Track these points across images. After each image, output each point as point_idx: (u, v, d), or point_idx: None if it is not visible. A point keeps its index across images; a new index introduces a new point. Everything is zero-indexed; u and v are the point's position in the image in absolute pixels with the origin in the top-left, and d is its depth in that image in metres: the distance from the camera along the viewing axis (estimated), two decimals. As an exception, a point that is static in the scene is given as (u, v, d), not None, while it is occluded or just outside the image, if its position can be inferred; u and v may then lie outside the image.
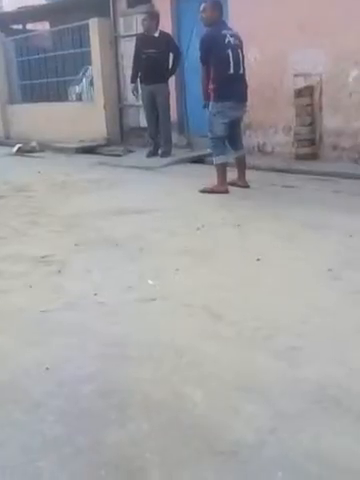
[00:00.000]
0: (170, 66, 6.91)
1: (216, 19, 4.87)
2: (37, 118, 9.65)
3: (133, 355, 2.14)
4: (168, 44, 6.78)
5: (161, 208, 4.51)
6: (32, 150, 8.77)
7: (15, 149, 8.79)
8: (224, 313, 2.46)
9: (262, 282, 2.82)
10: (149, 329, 2.36)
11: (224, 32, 4.81)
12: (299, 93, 6.19)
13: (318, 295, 2.62)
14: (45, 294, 2.79)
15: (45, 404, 1.85)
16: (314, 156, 6.21)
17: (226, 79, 4.80)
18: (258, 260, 3.12)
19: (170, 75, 6.97)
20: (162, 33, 6.82)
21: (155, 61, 6.72)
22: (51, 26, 11.22)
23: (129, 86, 8.09)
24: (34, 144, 8.91)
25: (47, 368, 2.06)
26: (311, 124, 6.20)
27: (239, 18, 5.42)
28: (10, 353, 2.21)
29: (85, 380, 1.98)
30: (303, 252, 3.25)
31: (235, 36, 4.86)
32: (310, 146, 6.23)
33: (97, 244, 3.61)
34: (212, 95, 4.87)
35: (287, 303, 2.55)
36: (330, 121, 6.09)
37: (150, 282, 2.90)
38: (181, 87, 7.72)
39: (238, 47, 4.86)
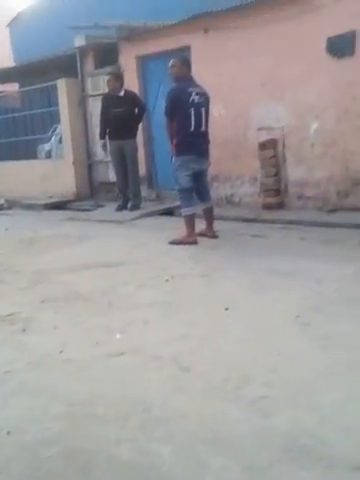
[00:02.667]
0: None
1: (184, 75, 5.05)
2: (6, 176, 9.69)
3: (99, 413, 2.06)
4: (133, 101, 6.98)
5: (130, 261, 4.50)
6: (0, 207, 8.74)
7: (-17, 207, 8.75)
8: (193, 364, 2.42)
9: (231, 332, 2.80)
10: (116, 385, 2.29)
11: (190, 90, 4.97)
12: (263, 146, 6.40)
13: (286, 342, 2.61)
14: (9, 354, 2.70)
15: (6, 470, 1.76)
16: (280, 205, 6.35)
17: (187, 136, 4.94)
18: (227, 309, 3.10)
19: (135, 127, 7.14)
20: (127, 92, 7.04)
21: (122, 119, 6.89)
22: (20, 87, 11.47)
23: (98, 143, 8.25)
24: (2, 201, 8.90)
25: (8, 432, 1.97)
26: (276, 175, 6.38)
27: (203, 75, 5.64)
28: (-31, 417, 2.11)
29: (48, 442, 1.89)
30: (271, 300, 3.25)
31: (201, 94, 5.02)
32: (276, 196, 6.38)
33: (64, 300, 3.54)
34: (174, 150, 4.99)
35: (256, 352, 2.52)
36: (294, 172, 6.28)
37: (118, 336, 2.84)
38: (149, 142, 7.90)
39: (202, 105, 5.01)
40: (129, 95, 6.98)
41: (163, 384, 2.27)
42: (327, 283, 3.47)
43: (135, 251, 4.91)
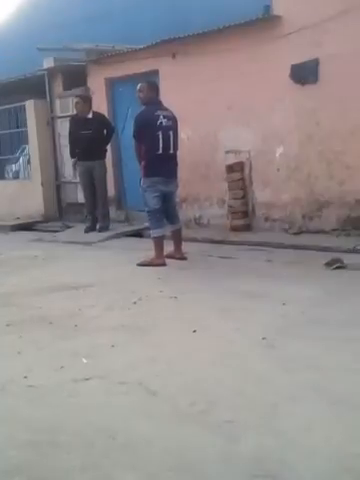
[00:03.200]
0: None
1: (152, 99, 5.12)
2: (-28, 196, 9.52)
3: (63, 441, 2.02)
4: (102, 123, 7.02)
5: (98, 283, 4.47)
6: (-34, 228, 8.56)
7: None
8: (160, 389, 2.41)
9: (198, 354, 2.80)
10: (82, 411, 2.26)
11: (158, 113, 5.04)
12: (230, 168, 6.50)
13: (253, 365, 2.62)
14: (-29, 379, 2.63)
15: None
16: (248, 227, 6.44)
17: (155, 158, 4.99)
18: (194, 332, 3.11)
19: (104, 148, 7.15)
20: (95, 114, 7.07)
21: (90, 140, 6.92)
22: (-12, 107, 11.38)
23: (66, 163, 8.27)
24: (-32, 222, 8.72)
25: (-31, 462, 1.91)
26: (243, 197, 6.48)
27: (171, 99, 5.73)
28: None
29: (10, 473, 1.84)
30: (238, 322, 3.27)
31: (169, 117, 5.09)
32: (243, 218, 6.47)
33: (30, 323, 3.49)
34: (143, 171, 5.04)
35: (222, 374, 2.53)
36: (261, 194, 6.40)
37: (84, 360, 2.81)
38: (118, 164, 7.92)
39: (170, 128, 5.08)
40: (97, 117, 7.02)
41: (129, 409, 2.24)
42: (293, 305, 3.52)
43: (103, 273, 4.88)
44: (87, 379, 2.57)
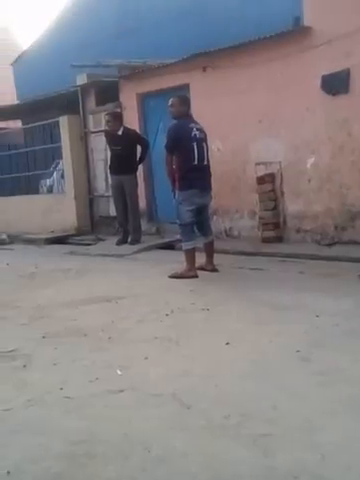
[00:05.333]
0: (138, 158, 7.21)
1: (184, 112, 5.19)
2: (8, 211, 9.79)
3: (100, 452, 2.05)
4: (132, 139, 7.11)
5: (130, 295, 4.51)
6: (2, 242, 8.79)
7: (-15, 242, 8.80)
8: (194, 401, 2.41)
9: (231, 367, 2.80)
10: (117, 423, 2.28)
11: (191, 125, 5.11)
12: (261, 180, 6.49)
13: (287, 378, 2.61)
14: (9, 391, 2.70)
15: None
16: (279, 239, 6.40)
17: (191, 169, 5.03)
18: (227, 344, 3.11)
19: (139, 164, 7.27)
20: (126, 130, 7.18)
21: (120, 156, 7.07)
22: (23, 123, 11.70)
23: (98, 177, 8.44)
24: (4, 236, 8.96)
25: (8, 472, 1.96)
26: (274, 208, 6.45)
27: (201, 112, 5.79)
28: (-32, 457, 2.09)
29: (49, 483, 1.88)
30: (272, 334, 3.25)
31: (200, 130, 5.16)
32: (275, 229, 6.44)
33: (65, 335, 3.55)
34: (178, 184, 5.07)
35: (257, 388, 2.52)
36: (292, 205, 6.36)
37: (119, 372, 2.84)
38: (149, 177, 8.01)
39: (203, 140, 5.14)
40: (128, 133, 7.12)
41: (163, 422, 2.26)
42: (327, 317, 3.48)
43: (135, 285, 4.93)
44: (121, 391, 2.60)
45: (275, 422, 2.17)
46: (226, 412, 2.27)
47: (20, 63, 14.74)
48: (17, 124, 12.64)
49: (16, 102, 12.63)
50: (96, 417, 2.35)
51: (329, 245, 5.87)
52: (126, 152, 7.04)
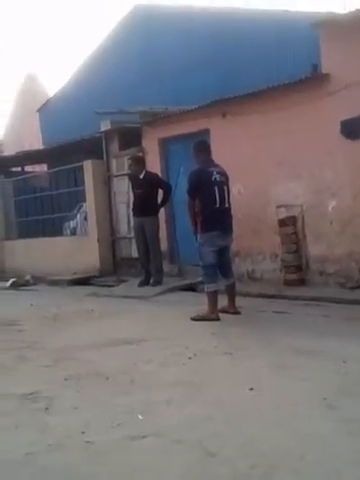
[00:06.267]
0: (159, 201, 7.32)
1: (205, 157, 5.30)
2: (32, 253, 9.94)
3: (122, 501, 2.01)
4: (154, 183, 7.25)
5: (152, 338, 4.49)
6: (26, 284, 8.90)
7: (9, 283, 8.90)
8: (218, 449, 2.35)
9: (256, 414, 2.74)
10: (139, 470, 2.24)
11: (211, 169, 5.20)
12: (283, 222, 6.51)
13: (314, 426, 2.53)
14: (30, 434, 2.67)
15: None
16: (302, 282, 6.34)
17: (212, 212, 5.10)
18: (251, 389, 3.05)
19: (161, 206, 7.39)
20: (147, 174, 7.33)
21: (142, 199, 7.24)
22: (48, 167, 12.04)
23: (121, 220, 8.56)
24: (28, 278, 9.06)
25: None
26: (296, 251, 6.43)
27: (222, 156, 5.88)
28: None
29: None
30: (297, 380, 3.19)
31: (221, 173, 5.25)
32: (297, 272, 6.39)
33: (87, 378, 3.53)
34: (199, 226, 5.12)
35: (283, 436, 2.45)
36: (314, 248, 6.33)
37: (140, 417, 2.80)
38: (171, 219, 8.10)
39: (224, 184, 5.23)
40: (149, 177, 7.27)
41: (187, 470, 2.20)
42: (354, 363, 3.41)
43: (157, 327, 4.91)
44: (144, 437, 2.55)
45: (303, 473, 2.10)
46: (252, 461, 2.21)
47: (46, 109, 15.33)
48: (43, 168, 13.02)
49: (42, 147, 13.06)
50: (118, 463, 2.31)
51: (353, 288, 5.79)
52: (147, 195, 7.17)
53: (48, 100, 15.79)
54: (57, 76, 45.79)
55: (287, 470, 2.13)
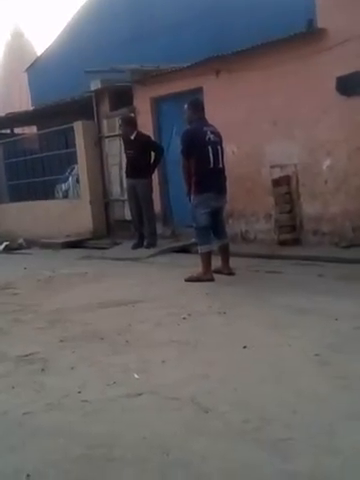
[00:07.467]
0: (151, 162, 7.22)
1: (198, 117, 5.20)
2: (24, 216, 9.87)
3: (118, 456, 2.05)
4: (145, 145, 7.12)
5: (147, 299, 4.51)
6: (19, 247, 8.87)
7: (2, 247, 8.88)
8: (212, 405, 2.40)
9: (249, 371, 2.77)
10: (135, 427, 2.28)
11: (205, 129, 5.11)
12: (277, 182, 6.46)
13: (306, 382, 2.58)
14: (27, 395, 2.70)
15: None
16: (296, 241, 6.35)
17: (206, 173, 5.03)
18: (245, 348, 3.08)
19: (153, 169, 7.28)
20: (139, 135, 7.20)
21: (134, 160, 7.12)
22: (38, 129, 11.81)
23: (113, 182, 8.46)
24: (21, 241, 9.03)
25: (28, 475, 1.96)
26: (290, 211, 6.41)
27: (215, 115, 5.78)
28: (-11, 460, 2.10)
29: (67, 486, 1.88)
30: (290, 338, 3.22)
31: (215, 133, 5.16)
32: (291, 232, 6.39)
33: (82, 339, 3.56)
34: (193, 188, 5.07)
35: (275, 392, 2.49)
36: (309, 207, 6.31)
37: (136, 376, 2.83)
38: (164, 180, 8.02)
39: (218, 143, 5.14)
40: (141, 138, 7.14)
41: (182, 425, 2.24)
42: (345, 320, 3.44)
43: (151, 289, 4.93)
44: (139, 394, 2.59)
45: (295, 426, 2.14)
46: (245, 416, 2.26)
47: (34, 69, 14.91)
48: (32, 130, 12.77)
49: (30, 108, 12.77)
50: (114, 421, 2.35)
51: (347, 247, 5.81)
52: (139, 156, 7.06)
53: (36, 59, 15.34)
54: (45, 34, 44.46)
55: (280, 424, 2.18)
